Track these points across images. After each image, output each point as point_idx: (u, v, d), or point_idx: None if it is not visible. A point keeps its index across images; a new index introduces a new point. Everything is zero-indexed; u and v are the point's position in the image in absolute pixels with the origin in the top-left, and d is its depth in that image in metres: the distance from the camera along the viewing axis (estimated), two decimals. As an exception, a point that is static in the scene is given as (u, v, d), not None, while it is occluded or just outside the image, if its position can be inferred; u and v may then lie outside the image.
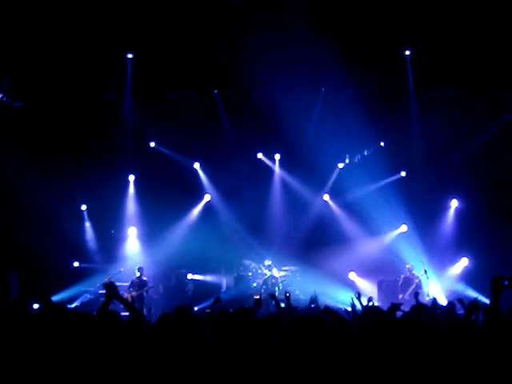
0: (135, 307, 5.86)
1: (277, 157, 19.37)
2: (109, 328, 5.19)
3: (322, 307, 8.33)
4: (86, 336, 4.97)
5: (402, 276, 16.17)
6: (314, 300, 7.51)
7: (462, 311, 6.87)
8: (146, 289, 15.57)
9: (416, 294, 8.04)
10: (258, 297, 7.08)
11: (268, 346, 3.49)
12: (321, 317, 3.14)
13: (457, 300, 7.58)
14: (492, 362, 4.21)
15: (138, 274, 15.82)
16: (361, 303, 8.13)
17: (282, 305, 8.55)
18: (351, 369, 3.53)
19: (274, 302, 8.14)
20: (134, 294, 15.27)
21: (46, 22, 13.97)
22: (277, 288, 16.68)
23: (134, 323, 5.24)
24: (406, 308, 7.54)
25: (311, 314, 3.20)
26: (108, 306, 5.61)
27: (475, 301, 6.00)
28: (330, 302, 9.27)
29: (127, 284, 15.99)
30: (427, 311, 7.24)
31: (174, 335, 3.59)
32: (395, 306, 6.45)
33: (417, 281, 15.52)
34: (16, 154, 15.66)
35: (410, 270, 15.95)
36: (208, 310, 8.51)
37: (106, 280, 15.80)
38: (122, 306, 5.71)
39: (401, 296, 15.52)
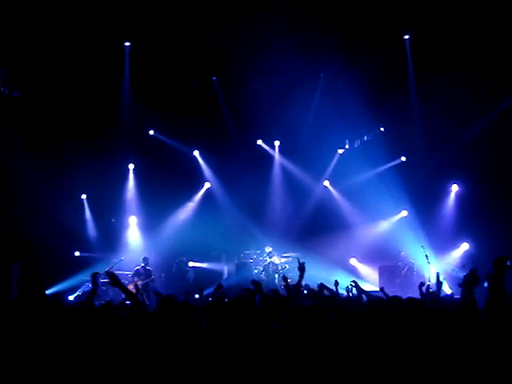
0: (136, 295, 5.91)
1: (276, 143, 19.33)
2: (107, 317, 5.20)
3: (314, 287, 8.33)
4: (85, 326, 4.99)
5: (399, 263, 16.86)
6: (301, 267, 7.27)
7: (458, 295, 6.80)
8: (152, 278, 15.81)
9: (420, 285, 7.97)
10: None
11: (267, 333, 3.49)
12: (321, 305, 3.13)
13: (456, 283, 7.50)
14: (496, 345, 4.20)
15: (142, 264, 16.11)
16: (359, 289, 8.12)
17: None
18: (350, 357, 3.52)
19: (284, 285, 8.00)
20: (139, 283, 15.36)
21: (41, 11, 13.86)
22: (276, 275, 16.73)
23: (134, 311, 5.26)
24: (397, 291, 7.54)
25: (311, 302, 3.17)
26: (95, 294, 5.72)
27: (473, 271, 5.71)
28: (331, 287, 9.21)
29: (128, 273, 16.08)
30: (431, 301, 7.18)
31: (172, 323, 3.60)
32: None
33: (406, 268, 16.54)
34: (15, 144, 15.63)
35: (404, 257, 16.83)
36: (211, 299, 8.49)
37: (107, 269, 15.88)
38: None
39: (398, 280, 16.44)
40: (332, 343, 3.00)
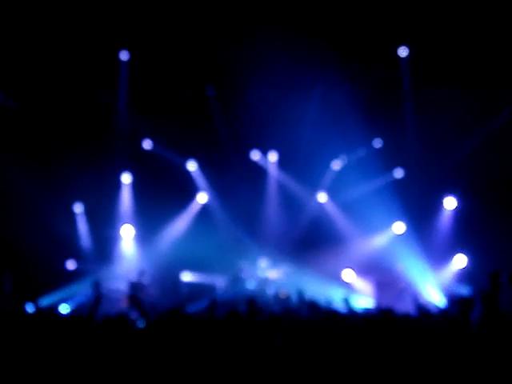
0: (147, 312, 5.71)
1: (272, 156, 19.29)
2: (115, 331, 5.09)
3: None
4: (82, 339, 4.90)
5: (395, 277, 16.66)
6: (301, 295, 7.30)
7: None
8: (145, 292, 15.66)
9: (415, 301, 7.95)
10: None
11: (267, 349, 3.42)
12: (320, 321, 3.06)
13: (451, 299, 7.53)
14: (490, 358, 4.16)
15: (138, 276, 16.07)
16: (349, 307, 8.05)
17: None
18: (349, 371, 3.45)
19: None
20: (132, 296, 15.25)
21: (37, 20, 13.87)
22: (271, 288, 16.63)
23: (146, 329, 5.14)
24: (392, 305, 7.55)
25: (311, 318, 3.13)
26: (97, 307, 5.54)
27: (466, 298, 5.84)
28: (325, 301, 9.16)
29: (122, 285, 15.99)
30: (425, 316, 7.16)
31: (170, 336, 3.55)
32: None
33: (402, 283, 16.26)
34: (9, 154, 15.58)
35: (401, 271, 16.58)
36: (205, 313, 8.38)
37: (95, 281, 15.75)
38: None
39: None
40: (331, 357, 2.94)
